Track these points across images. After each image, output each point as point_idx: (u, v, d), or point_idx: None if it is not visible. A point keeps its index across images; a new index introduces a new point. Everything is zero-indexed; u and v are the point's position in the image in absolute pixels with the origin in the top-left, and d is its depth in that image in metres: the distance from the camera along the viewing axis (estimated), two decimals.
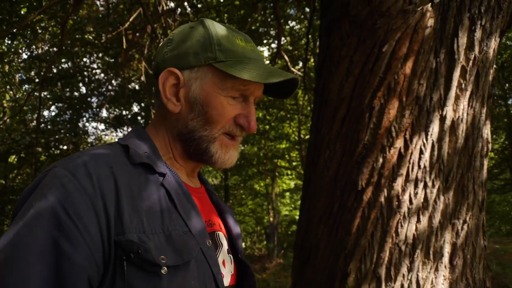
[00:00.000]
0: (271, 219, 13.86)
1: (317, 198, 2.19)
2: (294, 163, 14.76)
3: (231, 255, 0.89)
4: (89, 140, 14.99)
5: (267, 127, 13.43)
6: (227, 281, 0.84)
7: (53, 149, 12.39)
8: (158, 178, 0.76)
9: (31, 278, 0.59)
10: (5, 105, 12.36)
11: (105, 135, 15.62)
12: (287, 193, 18.90)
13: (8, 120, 12.64)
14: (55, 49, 11.54)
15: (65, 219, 0.62)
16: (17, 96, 12.82)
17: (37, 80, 12.24)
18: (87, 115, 14.60)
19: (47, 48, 12.03)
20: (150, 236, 0.67)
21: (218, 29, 0.83)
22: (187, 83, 0.81)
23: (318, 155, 2.27)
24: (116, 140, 0.84)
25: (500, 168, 15.93)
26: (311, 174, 2.34)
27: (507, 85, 14.87)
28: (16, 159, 11.99)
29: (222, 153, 0.84)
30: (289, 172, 15.27)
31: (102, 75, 14.29)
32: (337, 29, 2.30)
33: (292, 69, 5.91)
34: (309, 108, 10.15)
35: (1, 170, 11.58)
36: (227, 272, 0.85)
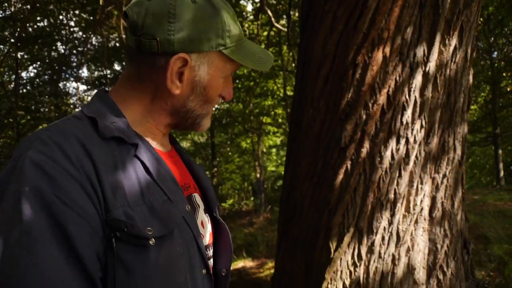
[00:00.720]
0: (258, 175, 14.03)
1: (302, 157, 2.22)
2: (280, 120, 14.77)
3: (207, 214, 0.91)
4: (71, 101, 14.71)
5: (252, 83, 13.30)
6: (206, 240, 0.86)
7: (34, 112, 12.16)
8: (131, 149, 0.75)
9: (52, 268, 0.59)
10: None
11: (88, 95, 15.31)
12: (274, 150, 19.05)
13: None
14: (28, 7, 11.05)
15: (63, 208, 0.61)
16: None
17: (12, 40, 11.79)
18: (67, 75, 14.24)
19: (20, 6, 11.50)
20: (134, 208, 0.68)
21: (225, 10, 0.80)
22: (194, 66, 0.79)
23: (302, 114, 2.27)
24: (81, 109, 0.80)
25: (484, 122, 16.20)
26: (296, 133, 2.35)
27: (492, 38, 14.84)
28: None
29: (206, 122, 0.88)
30: (275, 129, 15.31)
31: (81, 33, 13.82)
32: None
33: (276, 24, 5.77)
34: (293, 65, 10.03)
35: None
36: (206, 232, 0.87)
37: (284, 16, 10.70)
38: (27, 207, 0.60)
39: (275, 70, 12.88)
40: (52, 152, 0.64)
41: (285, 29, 5.47)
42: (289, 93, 12.58)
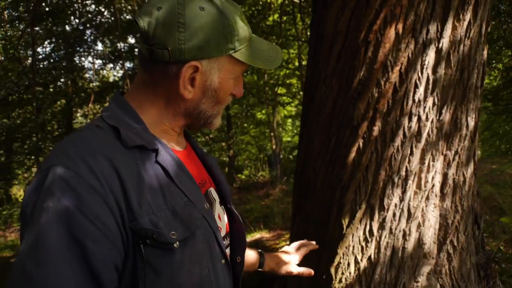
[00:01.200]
0: (274, 146, 14.11)
1: (314, 134, 2.25)
2: (294, 90, 14.68)
3: (222, 206, 0.98)
4: (86, 75, 14.84)
5: None
6: (223, 232, 0.93)
7: (51, 86, 12.33)
8: (151, 155, 0.80)
9: (68, 280, 0.64)
10: None
11: (102, 69, 15.40)
12: (289, 120, 19.02)
13: (2, 58, 12.43)
14: None
15: (85, 222, 0.66)
16: (8, 34, 12.47)
17: (26, 15, 11.85)
18: (81, 50, 14.31)
19: None
20: (158, 214, 0.74)
21: (233, 13, 0.82)
22: (205, 72, 0.83)
23: (315, 91, 2.29)
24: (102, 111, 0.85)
25: (505, 90, 15.78)
26: (308, 110, 2.37)
27: None
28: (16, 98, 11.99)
29: (219, 120, 0.94)
30: (289, 100, 15.24)
31: (93, 6, 13.77)
32: None
33: None
34: (308, 33, 9.89)
35: (3, 110, 11.64)
36: (223, 224, 0.94)
37: None
38: (48, 221, 0.65)
39: (289, 39, 12.71)
40: (78, 167, 0.69)
41: (297, 1, 5.39)
42: (304, 62, 12.44)
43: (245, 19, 0.86)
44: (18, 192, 15.31)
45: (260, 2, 12.08)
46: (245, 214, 6.56)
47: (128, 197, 0.71)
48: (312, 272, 1.41)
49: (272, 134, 14.26)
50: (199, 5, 0.79)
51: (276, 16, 10.91)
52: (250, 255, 1.29)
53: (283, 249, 1.50)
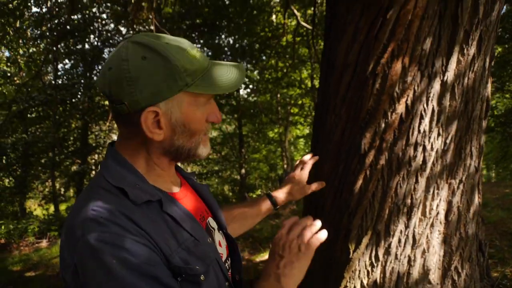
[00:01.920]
0: (285, 166, 14.17)
1: (324, 160, 2.34)
2: (306, 109, 14.80)
3: (221, 232, 1.08)
4: None
5: (280, 74, 13.37)
6: (224, 256, 1.04)
7: (68, 103, 12.64)
8: (157, 206, 0.89)
9: None
10: (19, 60, 12.49)
11: None
12: (301, 139, 19.11)
13: (24, 75, 12.82)
14: (61, 0, 11.45)
15: (146, 268, 0.77)
16: (31, 51, 12.89)
17: (47, 34, 12.27)
18: (99, 68, 14.69)
19: (54, 0, 11.92)
20: (183, 255, 0.86)
21: (174, 53, 0.87)
22: (166, 113, 0.89)
23: (325, 119, 2.39)
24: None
25: None
26: (319, 137, 2.47)
27: None
28: (35, 115, 12.31)
29: (206, 149, 1.00)
30: (301, 120, 15.35)
31: (112, 25, 14.19)
32: None
33: (302, 23, 5.84)
34: (319, 56, 10.05)
35: (22, 125, 11.95)
36: (223, 249, 1.05)
37: (310, 10, 10.70)
38: (124, 280, 0.74)
39: (303, 60, 12.91)
40: (110, 228, 0.77)
41: (310, 27, 5.54)
42: (316, 81, 12.59)
43: (197, 52, 0.90)
44: (32, 206, 15.57)
45: (274, 24, 12.33)
46: (255, 234, 6.61)
47: (156, 242, 0.82)
48: (324, 183, 1.53)
49: (283, 153, 14.35)
50: (140, 55, 0.84)
51: (290, 37, 11.13)
52: (261, 203, 1.47)
53: (287, 177, 1.65)
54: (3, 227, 8.51)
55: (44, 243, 8.32)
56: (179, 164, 1.12)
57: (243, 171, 14.61)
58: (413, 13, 2.14)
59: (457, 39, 2.13)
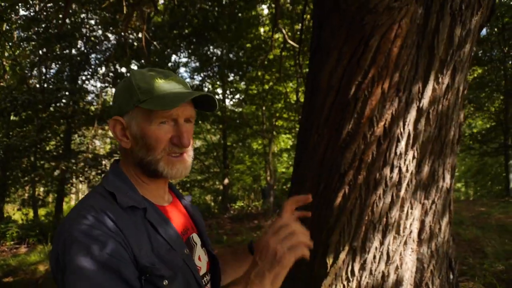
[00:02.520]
0: (268, 178, 14.28)
1: (306, 178, 2.45)
2: (291, 123, 14.99)
3: (204, 248, 1.18)
4: (88, 98, 15.10)
5: (266, 86, 13.55)
6: (203, 270, 1.13)
7: (52, 106, 12.56)
8: (141, 213, 1.01)
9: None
10: (4, 63, 12.38)
11: (104, 93, 15.68)
12: (284, 153, 19.26)
13: (7, 77, 12.70)
14: (50, 4, 11.43)
15: (115, 262, 0.87)
16: (16, 53, 12.79)
17: (34, 37, 12.21)
18: (86, 73, 14.64)
19: (42, 5, 11.89)
20: (152, 258, 0.95)
21: (138, 76, 1.05)
22: (128, 124, 1.04)
23: (308, 139, 2.50)
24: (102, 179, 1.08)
25: (495, 132, 16.19)
26: (302, 155, 2.58)
27: (506, 48, 14.81)
28: (18, 118, 12.18)
29: (169, 169, 1.06)
30: (286, 132, 15.53)
31: (100, 32, 14.19)
32: (328, 20, 2.46)
33: (289, 41, 6.01)
34: (305, 71, 10.26)
35: (4, 127, 11.81)
36: (203, 263, 1.14)
37: (299, 24, 10.92)
38: (88, 267, 0.84)
39: (289, 74, 13.11)
40: (92, 223, 0.90)
41: (297, 45, 5.70)
42: (301, 95, 12.79)
43: (163, 76, 1.06)
44: (11, 210, 15.29)
45: (262, 37, 12.53)
46: (236, 246, 6.67)
47: (130, 243, 0.92)
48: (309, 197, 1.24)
49: (267, 165, 14.47)
50: (124, 79, 1.08)
51: (277, 51, 11.33)
52: (241, 252, 1.42)
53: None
54: None
55: (23, 249, 8.21)
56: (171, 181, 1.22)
57: (226, 181, 14.66)
58: (393, 42, 2.28)
59: (433, 67, 2.28)
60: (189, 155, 1.09)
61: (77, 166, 12.71)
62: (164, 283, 0.92)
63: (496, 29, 13.56)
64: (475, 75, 15.62)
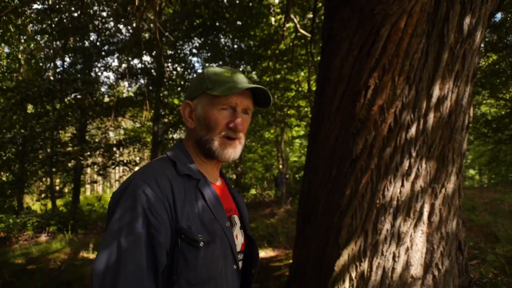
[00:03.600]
0: (280, 166, 14.37)
1: (318, 164, 2.54)
2: (303, 112, 15.00)
3: (242, 230, 1.29)
4: (102, 89, 15.28)
5: (278, 76, 13.57)
6: (238, 247, 1.24)
7: (69, 98, 12.77)
8: (194, 183, 1.15)
9: (140, 253, 0.98)
10: (20, 56, 12.60)
11: (118, 85, 15.84)
12: (296, 140, 19.31)
13: (23, 71, 12.93)
14: None
15: (151, 217, 1.01)
16: (31, 47, 13.00)
17: (48, 30, 12.38)
18: (99, 65, 14.82)
19: None
20: (193, 222, 1.07)
21: (210, 69, 1.22)
22: (195, 107, 1.22)
23: (320, 127, 2.59)
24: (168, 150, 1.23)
25: (509, 119, 15.99)
26: (314, 143, 2.67)
27: None
28: (34, 109, 12.42)
29: (221, 150, 1.20)
30: (297, 121, 15.56)
31: (112, 24, 14.32)
32: (339, 12, 2.53)
33: (301, 30, 6.04)
34: (317, 59, 10.26)
35: (21, 119, 12.07)
36: (239, 242, 1.25)
37: (310, 14, 10.89)
38: (130, 215, 1.00)
39: (300, 63, 13.11)
40: (151, 183, 1.06)
41: (309, 35, 5.74)
42: (313, 84, 12.80)
43: (230, 71, 1.22)
44: (30, 201, 15.66)
45: (273, 27, 12.52)
46: (250, 232, 6.81)
47: (176, 207, 1.06)
48: None
49: (279, 154, 14.54)
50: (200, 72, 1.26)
51: (288, 41, 11.33)
52: None
53: None
54: (3, 222, 8.64)
55: (43, 237, 8.47)
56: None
57: (239, 170, 14.81)
58: (403, 31, 2.34)
59: (443, 56, 2.34)
60: (241, 142, 1.23)
61: (91, 155, 12.96)
62: (200, 245, 1.05)
63: (510, 15, 13.35)
64: (490, 61, 15.41)
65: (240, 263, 1.28)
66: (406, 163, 2.27)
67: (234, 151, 1.21)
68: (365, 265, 2.25)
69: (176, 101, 14.98)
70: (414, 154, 2.28)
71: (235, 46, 13.51)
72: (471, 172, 30.89)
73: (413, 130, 2.29)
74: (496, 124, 16.21)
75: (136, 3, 6.46)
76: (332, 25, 2.60)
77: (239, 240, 1.27)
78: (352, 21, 2.47)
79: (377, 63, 2.36)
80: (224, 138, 1.20)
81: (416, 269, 2.27)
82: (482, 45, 14.35)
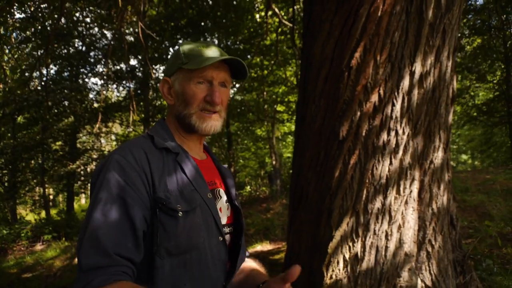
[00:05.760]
0: (274, 162, 14.36)
1: (306, 149, 2.53)
2: (293, 107, 15.01)
3: (228, 204, 1.27)
4: (90, 95, 15.17)
5: (265, 72, 13.55)
6: (223, 220, 1.23)
7: (59, 106, 12.67)
8: (173, 156, 1.16)
9: (116, 220, 0.99)
10: (4, 66, 12.47)
11: (105, 90, 15.74)
12: (289, 136, 19.32)
13: (9, 81, 12.79)
14: (45, 5, 11.46)
15: (125, 184, 1.02)
16: (15, 56, 12.87)
17: (32, 38, 12.27)
18: (85, 71, 14.71)
19: (37, 4, 11.90)
20: (171, 193, 1.08)
21: (185, 45, 1.23)
22: (173, 83, 1.23)
23: (306, 110, 2.58)
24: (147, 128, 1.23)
25: (499, 102, 16.11)
26: (300, 128, 2.66)
27: (504, 16, 14.68)
28: (23, 120, 12.31)
29: (200, 123, 1.21)
30: (288, 116, 15.56)
31: (96, 29, 14.22)
32: None
33: (284, 21, 6.03)
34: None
35: (10, 131, 11.94)
36: (223, 215, 1.24)
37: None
38: (107, 185, 1.02)
39: (287, 57, 13.11)
40: (127, 155, 1.07)
41: (291, 24, 5.72)
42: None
43: (205, 45, 1.23)
44: (23, 211, 15.52)
45: (257, 23, 12.50)
46: (246, 227, 6.79)
47: (153, 177, 1.07)
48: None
49: (271, 150, 14.54)
50: (175, 48, 1.24)
51: (273, 36, 11.32)
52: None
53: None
54: None
55: (38, 246, 8.39)
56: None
57: (232, 169, 14.78)
58: (382, 10, 2.34)
59: (423, 32, 2.33)
60: (221, 115, 1.24)
61: (83, 166, 12.87)
62: (179, 214, 1.05)
63: None
64: (475, 45, 15.50)
65: (228, 236, 1.26)
66: (393, 141, 2.27)
67: (213, 124, 1.22)
68: (358, 246, 2.24)
69: (165, 103, 14.90)
70: (400, 131, 2.27)
71: (222, 45, 13.47)
72: (464, 157, 31.10)
73: (398, 107, 2.28)
74: (486, 108, 16.33)
75: (120, 4, 6.39)
76: (311, 9, 2.59)
77: (223, 213, 1.25)
78: (330, 3, 2.46)
79: (358, 43, 2.36)
80: (202, 111, 1.20)
81: (409, 246, 2.27)
82: (467, 29, 14.46)
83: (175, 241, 1.05)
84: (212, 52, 1.22)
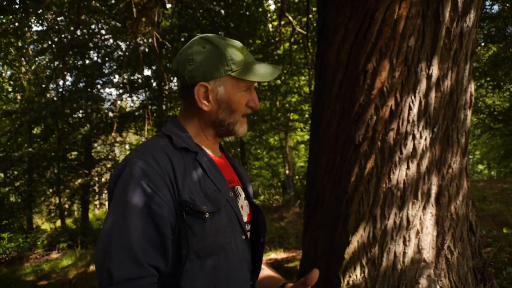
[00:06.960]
0: (287, 171, 14.32)
1: (322, 153, 2.51)
2: (306, 116, 14.98)
3: (247, 201, 1.27)
4: (105, 106, 15.38)
5: (278, 81, 13.59)
6: (245, 218, 1.22)
7: (74, 116, 12.86)
8: (193, 156, 1.13)
9: (144, 229, 0.97)
10: (22, 78, 12.73)
11: (120, 100, 15.95)
12: (302, 145, 19.27)
13: (27, 92, 13.05)
14: (62, 18, 11.71)
15: (151, 192, 0.99)
16: (32, 68, 13.14)
17: (49, 50, 12.52)
18: (101, 82, 14.94)
19: (53, 17, 12.17)
20: (195, 194, 1.05)
21: (225, 45, 1.15)
22: (214, 89, 1.15)
23: (321, 115, 2.56)
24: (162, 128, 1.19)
25: None
26: (315, 132, 2.64)
27: None
28: (40, 130, 12.51)
29: (241, 128, 1.22)
30: (301, 125, 15.54)
31: (111, 40, 14.45)
32: (332, 0, 2.52)
33: (298, 28, 6.05)
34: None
35: (27, 140, 12.14)
36: (244, 213, 1.23)
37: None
38: (133, 193, 0.98)
39: (300, 66, 13.13)
40: (148, 159, 1.03)
41: (305, 32, 5.74)
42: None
43: (244, 51, 1.18)
44: (39, 220, 15.71)
45: (271, 32, 12.57)
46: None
47: (177, 181, 1.04)
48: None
49: (285, 158, 14.50)
50: (202, 45, 1.15)
51: (287, 45, 11.36)
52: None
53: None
54: (13, 241, 8.66)
55: (54, 255, 8.47)
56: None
57: None
58: (398, 13, 2.33)
59: (440, 35, 2.31)
60: None
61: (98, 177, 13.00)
62: (206, 216, 1.03)
63: (508, 4, 13.30)
64: (491, 53, 15.33)
65: (248, 234, 1.26)
66: (410, 145, 2.24)
67: (246, 126, 1.25)
68: (375, 251, 2.21)
69: (178, 113, 15.03)
70: (417, 135, 2.24)
71: None
72: (480, 167, 30.58)
73: (415, 111, 2.26)
74: (502, 117, 16.07)
75: (135, 15, 6.50)
76: (325, 14, 2.59)
77: (244, 210, 1.24)
78: (345, 7, 2.46)
79: (373, 47, 2.34)
80: (243, 118, 1.21)
81: (428, 253, 2.23)
82: (482, 37, 14.31)
83: (203, 244, 1.03)
84: (251, 58, 1.19)
